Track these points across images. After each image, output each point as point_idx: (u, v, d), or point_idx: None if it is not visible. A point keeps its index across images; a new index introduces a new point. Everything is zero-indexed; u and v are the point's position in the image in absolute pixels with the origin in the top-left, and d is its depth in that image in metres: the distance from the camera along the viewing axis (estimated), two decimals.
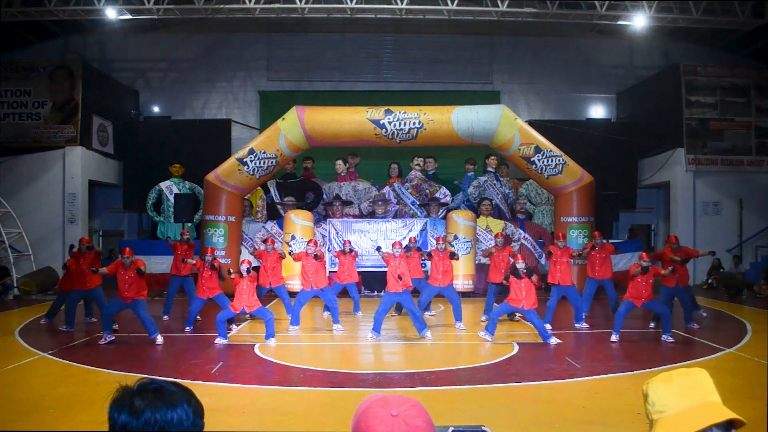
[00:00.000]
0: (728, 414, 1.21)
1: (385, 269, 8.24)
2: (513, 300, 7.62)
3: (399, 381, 5.98)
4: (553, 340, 7.56)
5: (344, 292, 9.87)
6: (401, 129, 11.84)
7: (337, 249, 10.83)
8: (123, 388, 1.17)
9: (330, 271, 10.75)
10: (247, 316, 8.86)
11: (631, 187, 16.20)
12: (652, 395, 1.29)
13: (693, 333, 8.32)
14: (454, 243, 12.25)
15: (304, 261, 8.81)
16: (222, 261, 10.71)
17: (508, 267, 8.18)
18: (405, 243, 9.04)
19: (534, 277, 7.64)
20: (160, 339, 7.59)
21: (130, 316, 8.70)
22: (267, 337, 7.65)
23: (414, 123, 11.80)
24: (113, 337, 7.74)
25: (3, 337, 7.89)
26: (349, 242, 10.02)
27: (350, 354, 7.59)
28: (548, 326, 8.12)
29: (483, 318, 9.28)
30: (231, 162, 12.23)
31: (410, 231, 12.86)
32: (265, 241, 9.43)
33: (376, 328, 7.99)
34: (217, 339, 7.63)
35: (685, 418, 1.23)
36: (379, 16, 13.77)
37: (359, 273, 12.95)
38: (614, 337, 7.76)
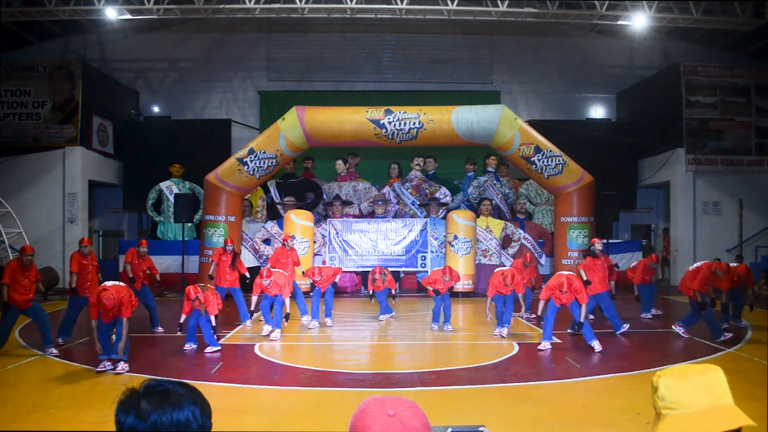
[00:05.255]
0: (743, 420, 1.19)
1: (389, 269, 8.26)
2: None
3: (399, 381, 5.98)
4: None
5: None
6: (401, 129, 11.84)
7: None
8: (129, 391, 1.17)
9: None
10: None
11: (631, 187, 16.19)
12: (663, 390, 1.26)
13: (695, 333, 8.31)
14: (454, 243, 12.25)
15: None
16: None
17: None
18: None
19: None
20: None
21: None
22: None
23: (414, 123, 11.80)
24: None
25: None
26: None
27: (350, 354, 7.59)
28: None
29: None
30: (231, 162, 12.23)
31: (410, 231, 12.87)
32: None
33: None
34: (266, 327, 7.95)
35: (699, 420, 1.20)
36: (379, 16, 13.76)
37: (359, 273, 13.02)
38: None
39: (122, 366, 6.20)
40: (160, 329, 8.56)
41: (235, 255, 8.92)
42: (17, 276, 7.00)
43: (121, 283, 6.56)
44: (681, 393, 1.23)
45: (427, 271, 12.65)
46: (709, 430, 1.18)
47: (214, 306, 7.19)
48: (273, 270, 8.21)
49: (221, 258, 8.98)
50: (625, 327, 8.27)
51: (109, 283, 6.30)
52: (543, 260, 13.52)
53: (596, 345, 7.19)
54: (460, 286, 11.93)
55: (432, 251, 12.86)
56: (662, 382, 1.26)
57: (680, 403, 1.23)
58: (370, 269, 12.64)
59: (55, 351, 7.06)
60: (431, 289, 8.65)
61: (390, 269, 12.72)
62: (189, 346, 7.32)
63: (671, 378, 1.26)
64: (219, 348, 7.21)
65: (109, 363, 6.21)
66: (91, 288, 7.48)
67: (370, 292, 9.41)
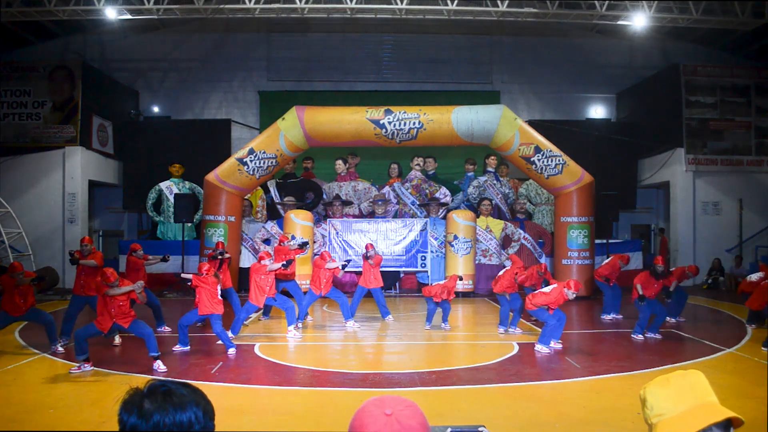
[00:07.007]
0: (727, 413, 1.22)
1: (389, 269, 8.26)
2: None
3: (399, 381, 5.98)
4: None
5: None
6: (401, 129, 11.84)
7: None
8: (133, 391, 1.17)
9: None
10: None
11: (631, 187, 16.20)
12: (650, 399, 1.30)
13: (695, 333, 8.31)
14: (454, 243, 12.25)
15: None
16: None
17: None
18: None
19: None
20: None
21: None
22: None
23: (414, 123, 11.80)
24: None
25: (3, 337, 7.88)
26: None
27: (350, 354, 7.59)
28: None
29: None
30: (231, 162, 12.23)
31: (410, 231, 12.87)
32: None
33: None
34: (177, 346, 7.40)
35: (685, 419, 1.24)
36: (379, 16, 13.76)
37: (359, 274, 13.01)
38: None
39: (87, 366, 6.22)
40: (166, 328, 8.53)
41: (222, 262, 8.75)
42: (9, 291, 6.95)
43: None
44: (667, 398, 1.28)
45: (427, 272, 12.69)
46: (697, 427, 1.22)
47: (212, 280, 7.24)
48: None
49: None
50: (639, 338, 7.96)
51: None
52: (543, 260, 13.51)
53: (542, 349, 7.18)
54: (461, 285, 11.93)
55: (432, 251, 12.85)
56: (648, 392, 1.32)
57: (667, 408, 1.27)
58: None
59: (61, 349, 7.10)
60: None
61: (390, 269, 12.80)
62: (178, 347, 7.26)
63: (655, 386, 1.31)
64: (234, 348, 7.23)
65: (87, 365, 6.22)
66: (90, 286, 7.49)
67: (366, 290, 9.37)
